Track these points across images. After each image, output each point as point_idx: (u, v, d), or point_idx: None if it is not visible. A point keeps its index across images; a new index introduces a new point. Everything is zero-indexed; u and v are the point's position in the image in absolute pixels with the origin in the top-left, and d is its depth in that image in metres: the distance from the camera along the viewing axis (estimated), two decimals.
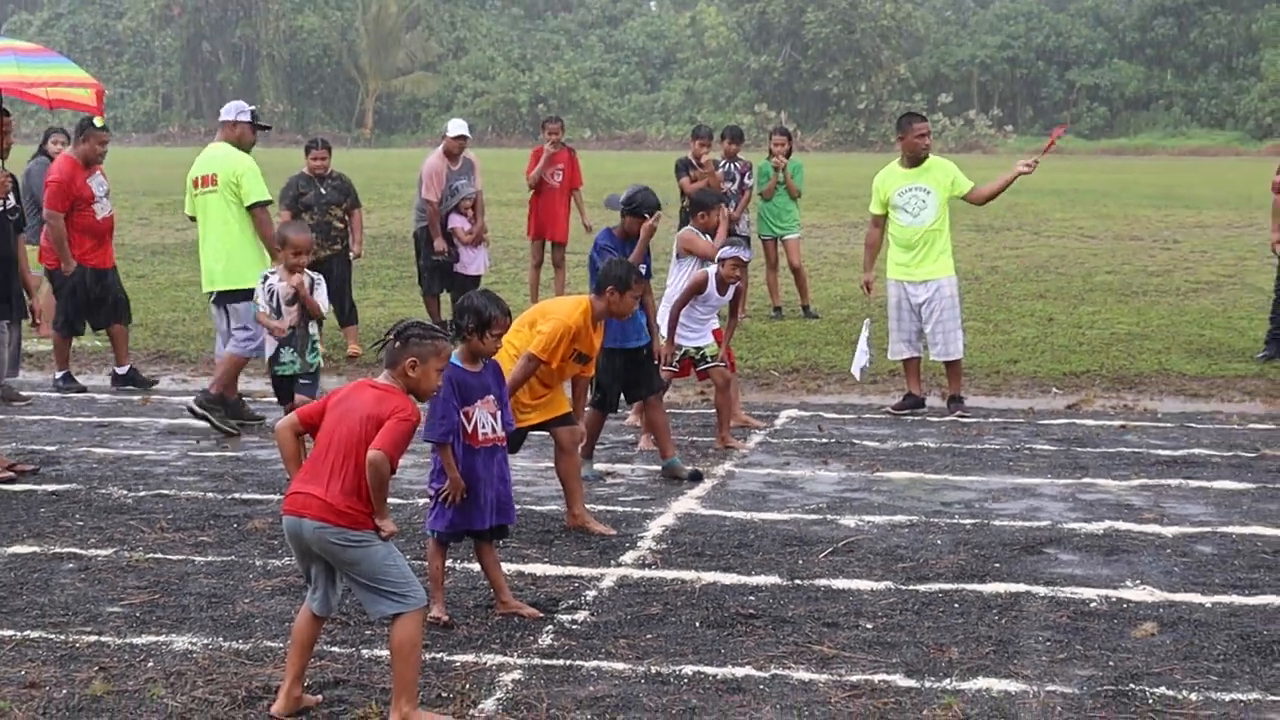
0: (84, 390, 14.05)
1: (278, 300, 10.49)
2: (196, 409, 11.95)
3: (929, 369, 13.72)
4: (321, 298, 10.69)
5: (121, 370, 14.28)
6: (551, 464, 9.63)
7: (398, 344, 6.17)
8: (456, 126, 17.16)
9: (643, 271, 10.62)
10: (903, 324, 13.10)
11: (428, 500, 7.77)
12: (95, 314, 14.31)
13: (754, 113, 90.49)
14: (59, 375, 14.27)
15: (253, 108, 12.94)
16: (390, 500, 8.90)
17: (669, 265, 12.19)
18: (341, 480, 5.97)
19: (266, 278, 10.69)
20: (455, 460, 7.32)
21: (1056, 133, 13.99)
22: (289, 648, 6.32)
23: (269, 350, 10.84)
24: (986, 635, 7.19)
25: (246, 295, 11.84)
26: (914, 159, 13.07)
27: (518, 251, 25.42)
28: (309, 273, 10.66)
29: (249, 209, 12.41)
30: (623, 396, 10.83)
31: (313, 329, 10.74)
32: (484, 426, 7.42)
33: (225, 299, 12.39)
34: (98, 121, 14.06)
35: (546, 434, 9.36)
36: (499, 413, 7.49)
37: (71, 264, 13.78)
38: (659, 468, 10.75)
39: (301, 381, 10.84)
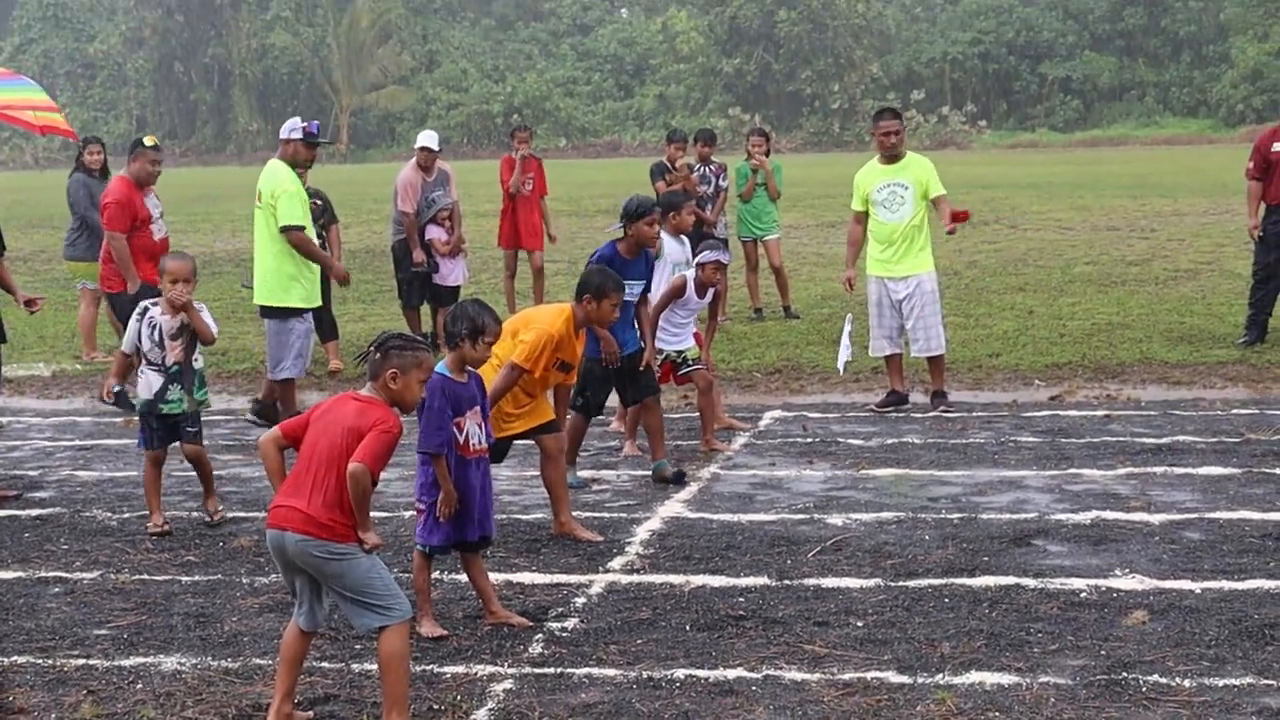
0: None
1: (160, 334, 9.53)
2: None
3: (911, 365, 13.71)
4: (210, 321, 9.70)
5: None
6: (537, 472, 9.60)
7: (379, 356, 6.16)
8: (424, 138, 17.18)
9: (645, 284, 10.64)
10: (884, 320, 13.09)
11: (414, 514, 7.75)
12: None
13: (728, 116, 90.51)
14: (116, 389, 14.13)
15: (306, 124, 12.77)
16: (376, 513, 8.85)
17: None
18: (324, 493, 5.95)
19: (146, 310, 9.62)
20: (449, 471, 7.32)
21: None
22: (278, 665, 6.29)
23: (152, 388, 9.63)
24: (977, 629, 7.18)
25: (277, 313, 12.48)
26: (889, 156, 13.09)
27: (496, 262, 25.36)
28: (196, 304, 9.66)
29: (280, 232, 12.44)
30: (619, 400, 10.84)
31: (198, 362, 9.77)
32: (474, 437, 7.43)
33: (263, 313, 12.76)
34: (148, 140, 14.02)
35: (530, 443, 9.35)
36: (483, 424, 7.50)
37: (137, 282, 13.67)
38: (645, 473, 10.73)
39: (188, 429, 9.75)
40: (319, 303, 12.81)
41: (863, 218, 13.24)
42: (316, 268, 12.68)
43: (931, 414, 12.73)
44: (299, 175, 12.61)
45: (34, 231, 34.71)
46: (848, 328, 13.21)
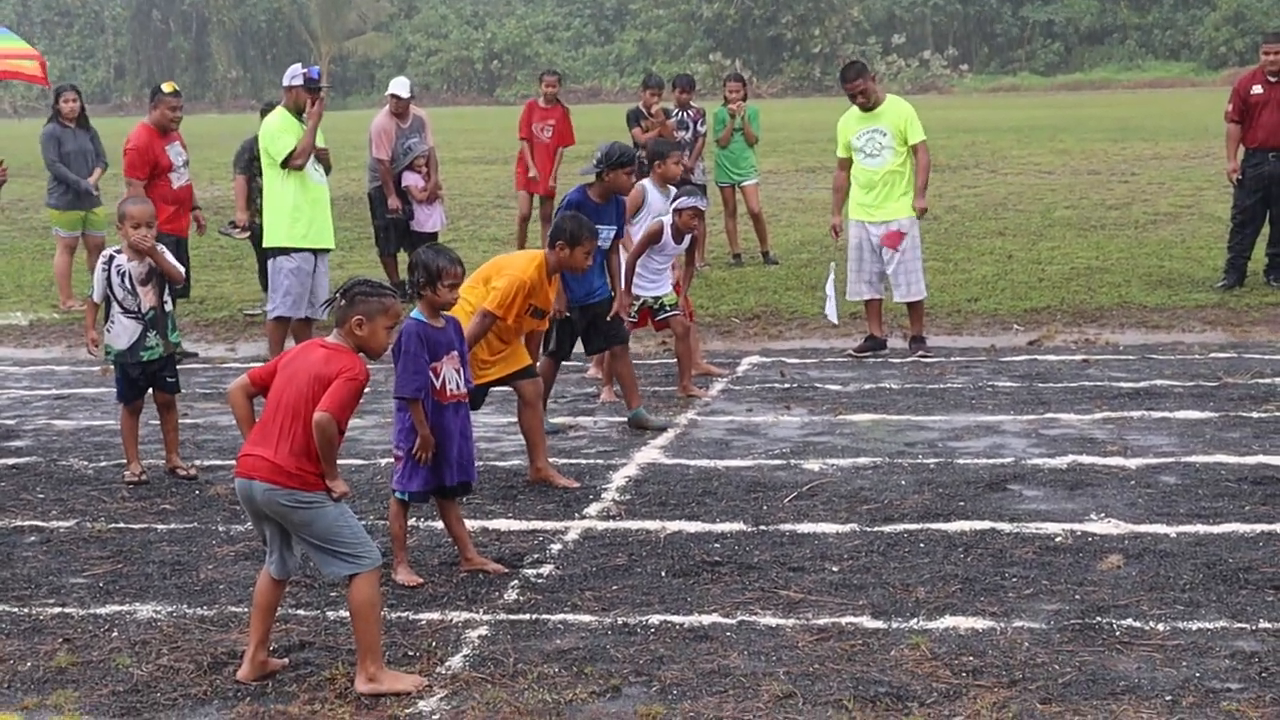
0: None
1: (130, 281, 9.37)
2: None
3: (890, 310, 13.70)
4: (173, 261, 9.59)
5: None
6: (513, 419, 9.57)
7: (344, 303, 6.13)
8: (395, 85, 17.11)
9: (616, 230, 10.58)
10: (864, 265, 13.06)
11: (391, 461, 7.73)
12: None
13: (709, 61, 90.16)
14: None
15: (306, 70, 12.61)
16: (352, 461, 8.85)
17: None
18: (290, 442, 5.93)
19: (112, 258, 9.44)
20: (425, 416, 7.30)
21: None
22: (252, 612, 6.28)
23: (131, 336, 9.43)
24: (953, 574, 7.19)
25: (269, 252, 12.59)
26: (864, 106, 13.04)
27: (475, 209, 25.35)
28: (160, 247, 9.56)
29: (282, 168, 12.38)
30: (583, 346, 10.79)
31: (168, 304, 9.61)
32: (450, 382, 7.41)
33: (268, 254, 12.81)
34: (166, 87, 13.83)
35: (507, 390, 9.33)
36: (462, 369, 7.48)
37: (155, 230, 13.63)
38: (622, 419, 10.72)
39: (167, 379, 9.62)
40: (317, 244, 12.57)
41: (847, 164, 13.19)
42: (307, 209, 12.43)
43: (910, 359, 12.72)
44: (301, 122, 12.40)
45: (10, 180, 34.55)
46: (831, 277, 13.18)
